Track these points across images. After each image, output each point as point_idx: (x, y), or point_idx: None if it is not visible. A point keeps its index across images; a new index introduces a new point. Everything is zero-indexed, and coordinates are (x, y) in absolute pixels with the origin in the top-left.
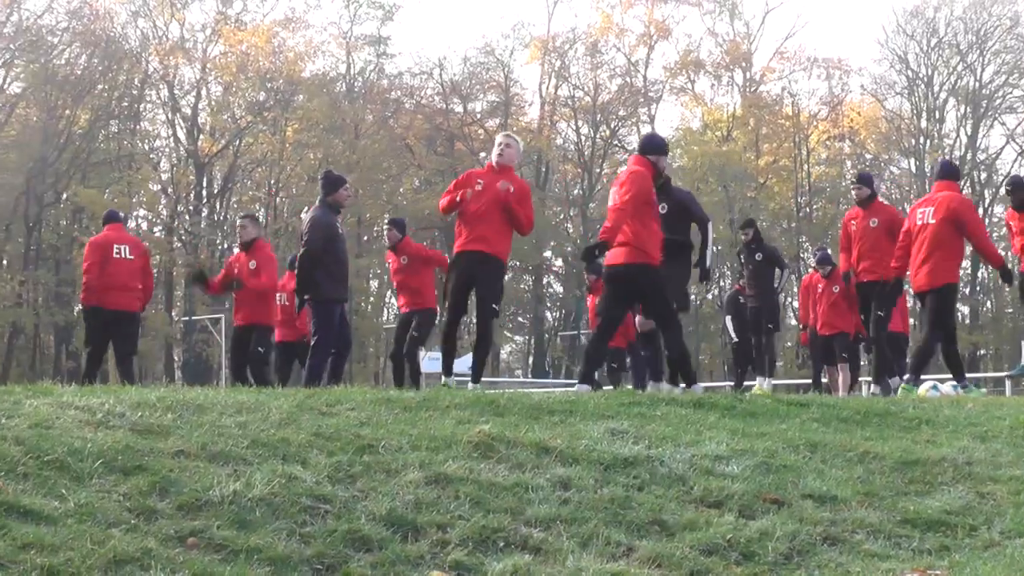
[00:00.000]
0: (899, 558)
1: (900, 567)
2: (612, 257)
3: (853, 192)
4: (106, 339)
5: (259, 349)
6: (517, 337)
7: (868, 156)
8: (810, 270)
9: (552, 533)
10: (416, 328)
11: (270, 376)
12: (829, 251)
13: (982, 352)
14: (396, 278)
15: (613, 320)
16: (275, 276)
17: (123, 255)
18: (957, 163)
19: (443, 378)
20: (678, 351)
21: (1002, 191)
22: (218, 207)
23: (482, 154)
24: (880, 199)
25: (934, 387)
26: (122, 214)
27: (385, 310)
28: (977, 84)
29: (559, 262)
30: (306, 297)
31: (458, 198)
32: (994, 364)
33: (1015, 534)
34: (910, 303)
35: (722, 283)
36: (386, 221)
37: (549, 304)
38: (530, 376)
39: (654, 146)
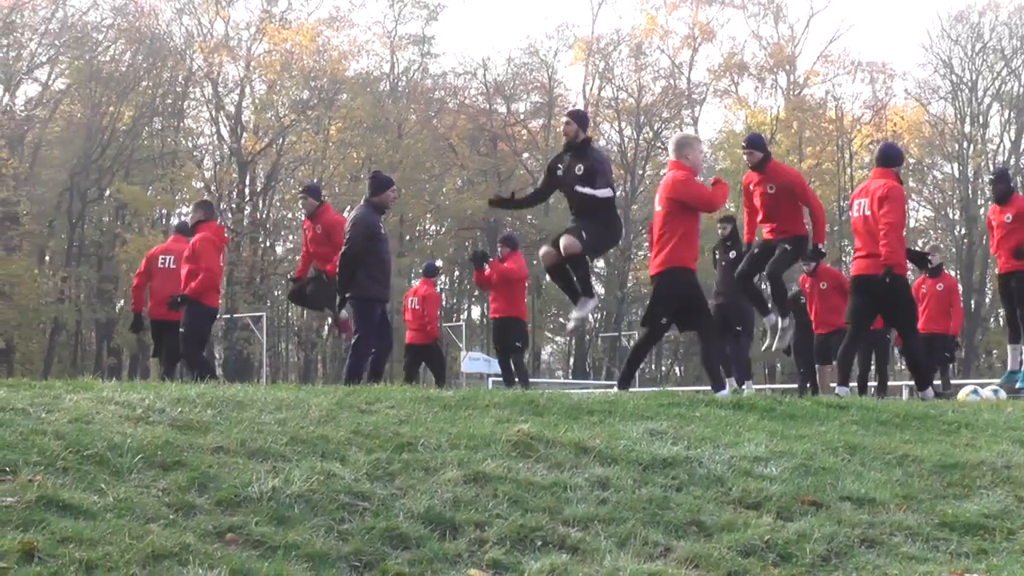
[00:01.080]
0: (936, 561)
1: (937, 570)
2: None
3: (745, 157)
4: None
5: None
6: (558, 338)
7: (911, 160)
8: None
9: (590, 533)
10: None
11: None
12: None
13: None
14: (310, 247)
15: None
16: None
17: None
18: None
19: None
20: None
21: None
22: (261, 205)
23: (525, 155)
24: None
25: (975, 391)
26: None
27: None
28: (1022, 89)
29: (600, 263)
30: (347, 295)
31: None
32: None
33: None
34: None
35: None
36: (301, 188)
37: None
38: (570, 377)
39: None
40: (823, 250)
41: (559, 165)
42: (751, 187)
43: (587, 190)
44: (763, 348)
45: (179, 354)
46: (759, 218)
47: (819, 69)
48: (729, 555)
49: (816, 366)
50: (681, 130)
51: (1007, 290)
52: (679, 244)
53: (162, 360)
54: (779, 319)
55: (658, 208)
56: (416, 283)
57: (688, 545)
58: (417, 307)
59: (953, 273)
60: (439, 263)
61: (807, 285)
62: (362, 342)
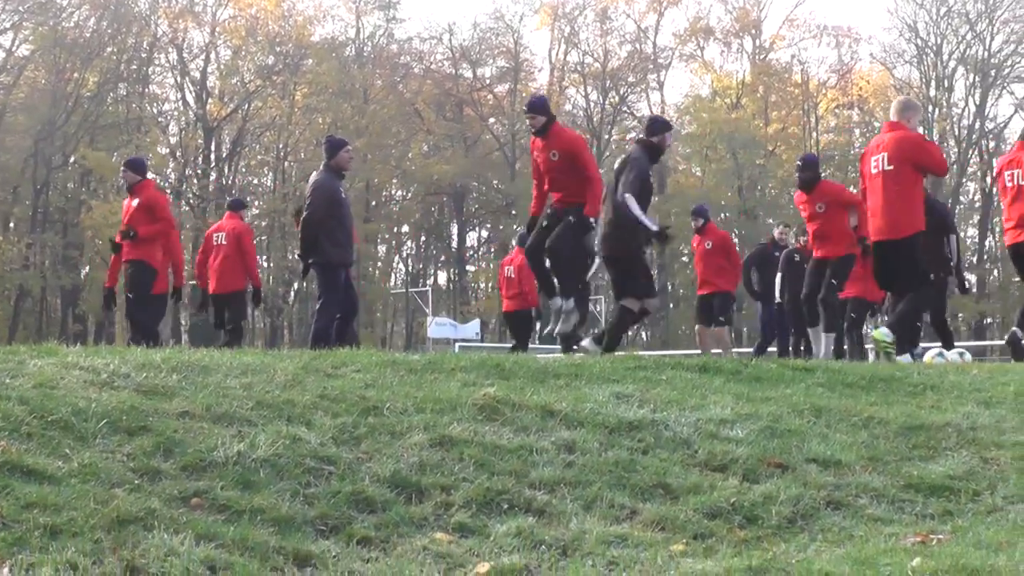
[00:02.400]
0: (902, 522)
1: (903, 531)
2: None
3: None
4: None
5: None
6: None
7: (876, 124)
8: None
9: (556, 496)
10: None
11: None
12: (705, 205)
13: (989, 321)
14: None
15: None
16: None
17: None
18: (966, 131)
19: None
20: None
21: None
22: (226, 171)
23: (491, 120)
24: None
25: (940, 354)
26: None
27: (393, 275)
28: (986, 53)
29: None
30: (310, 261)
31: None
32: (1001, 333)
33: (1018, 499)
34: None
35: None
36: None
37: None
38: (537, 342)
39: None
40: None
41: None
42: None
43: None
44: (546, 331)
45: (239, 327)
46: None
47: (785, 33)
48: (695, 517)
49: (696, 326)
50: (647, 95)
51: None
52: (915, 207)
53: (225, 332)
54: (564, 302)
55: (875, 170)
56: (512, 252)
57: (654, 508)
58: (512, 276)
59: None
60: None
61: (695, 244)
62: (327, 307)
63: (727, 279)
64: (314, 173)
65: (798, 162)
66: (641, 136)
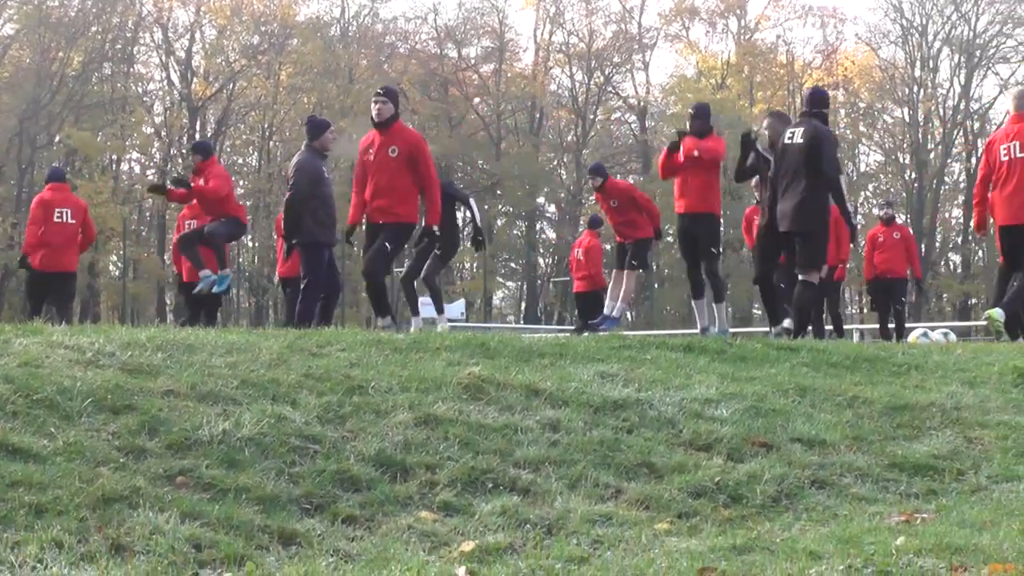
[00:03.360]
0: (886, 501)
1: (887, 510)
2: None
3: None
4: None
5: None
6: (509, 283)
7: (862, 105)
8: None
9: (541, 475)
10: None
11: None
12: (600, 162)
13: (973, 301)
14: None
15: None
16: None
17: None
18: (951, 112)
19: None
20: None
21: None
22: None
23: (476, 100)
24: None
25: (924, 334)
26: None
27: None
28: (971, 33)
29: (552, 208)
30: (294, 241)
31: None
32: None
33: (1002, 479)
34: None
35: None
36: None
37: (542, 250)
38: (522, 322)
39: None
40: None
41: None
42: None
43: None
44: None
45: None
46: None
47: (770, 13)
48: (680, 496)
49: (615, 272)
50: (632, 75)
51: (687, 238)
52: None
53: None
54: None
55: (1005, 157)
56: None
57: (639, 487)
58: (581, 258)
59: (903, 218)
60: (602, 215)
61: (598, 201)
62: (311, 287)
63: (642, 229)
64: (297, 153)
65: (690, 110)
66: (814, 110)
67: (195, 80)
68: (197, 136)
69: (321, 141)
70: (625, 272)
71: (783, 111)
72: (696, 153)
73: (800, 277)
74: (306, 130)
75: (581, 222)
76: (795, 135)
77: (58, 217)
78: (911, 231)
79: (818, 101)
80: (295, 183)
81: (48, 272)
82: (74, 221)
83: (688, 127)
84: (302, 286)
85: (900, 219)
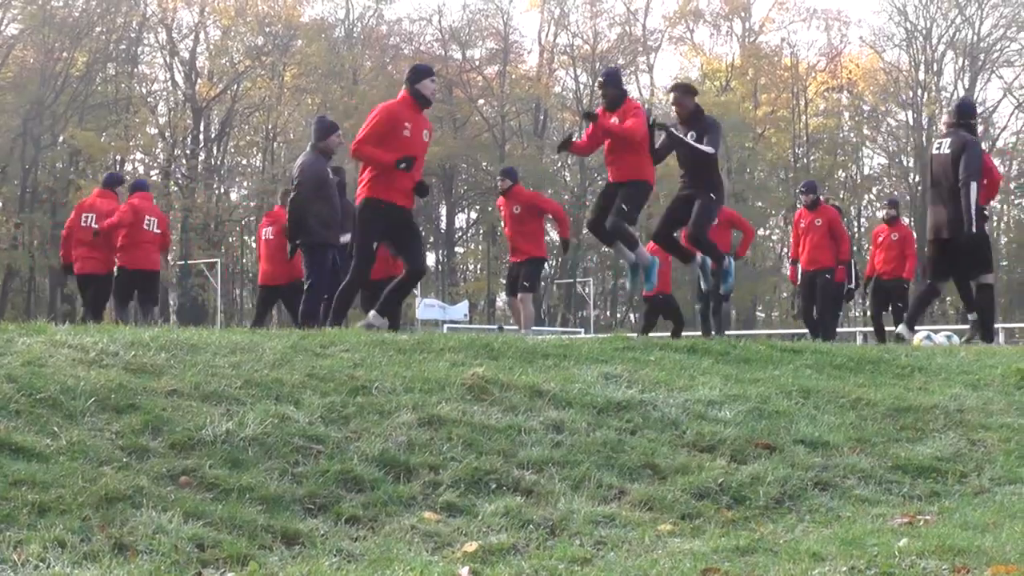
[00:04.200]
0: (889, 503)
1: (890, 512)
2: None
3: None
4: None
5: None
6: None
7: (866, 108)
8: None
9: (544, 475)
10: None
11: None
12: (512, 167)
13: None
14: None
15: None
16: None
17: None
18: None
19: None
20: None
21: (999, 143)
22: (215, 151)
23: (480, 101)
24: None
25: (928, 337)
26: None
27: None
28: (975, 37)
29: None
30: (298, 242)
31: None
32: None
33: (1005, 481)
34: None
35: None
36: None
37: None
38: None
39: None
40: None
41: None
42: None
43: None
44: None
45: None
46: None
47: (774, 16)
48: (683, 498)
49: (508, 297)
50: (636, 77)
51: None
52: None
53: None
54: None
55: None
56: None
57: (642, 488)
58: None
59: (907, 220)
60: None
61: (500, 207)
62: (315, 288)
63: (538, 246)
64: (302, 154)
65: (600, 79)
66: (961, 121)
67: (199, 81)
68: (201, 137)
69: (327, 143)
70: (520, 296)
71: (687, 82)
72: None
73: (980, 280)
74: (313, 130)
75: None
76: (943, 145)
77: (147, 225)
78: (913, 233)
79: (965, 112)
80: (299, 184)
81: (135, 270)
82: (159, 231)
83: (601, 96)
84: (306, 287)
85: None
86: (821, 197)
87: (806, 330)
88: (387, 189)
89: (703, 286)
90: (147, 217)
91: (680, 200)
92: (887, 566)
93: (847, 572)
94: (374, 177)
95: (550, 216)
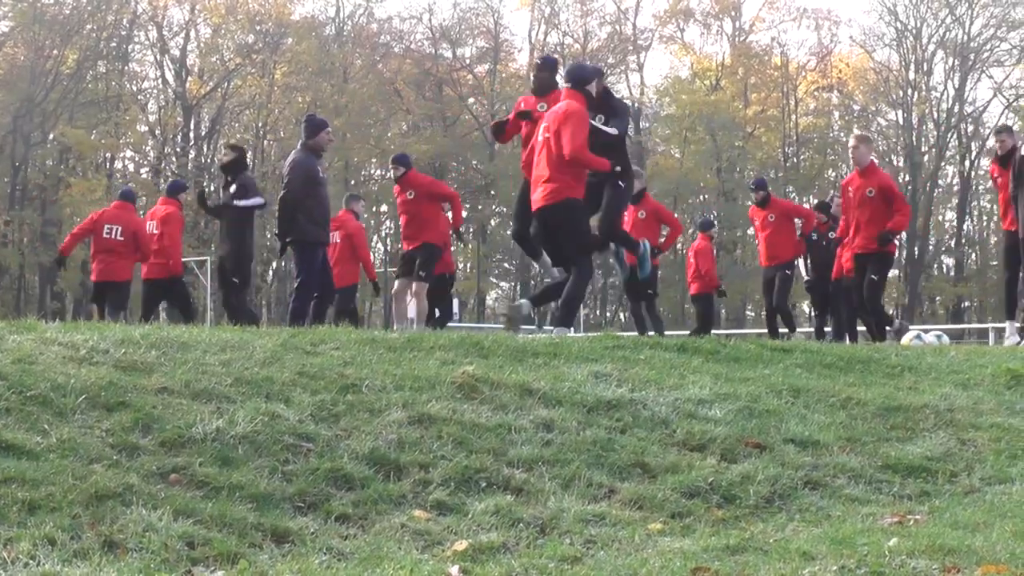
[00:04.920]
0: (879, 503)
1: (880, 512)
2: None
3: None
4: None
5: None
6: (503, 283)
7: (856, 107)
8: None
9: (534, 474)
10: None
11: None
12: (405, 153)
13: (966, 304)
14: None
15: None
16: None
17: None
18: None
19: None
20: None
21: (989, 143)
22: (205, 149)
23: (470, 100)
24: None
25: (918, 336)
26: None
27: (372, 254)
28: (965, 37)
29: None
30: (288, 240)
31: None
32: (978, 316)
33: (995, 480)
34: None
35: None
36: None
37: None
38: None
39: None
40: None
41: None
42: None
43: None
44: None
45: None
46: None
47: (764, 15)
48: (673, 497)
49: (399, 281)
50: (627, 76)
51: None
52: None
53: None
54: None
55: None
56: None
57: (632, 487)
58: (693, 260)
59: None
60: (713, 218)
61: (396, 194)
62: (305, 286)
63: (431, 230)
64: (292, 152)
65: (537, 62)
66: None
67: (189, 78)
68: (191, 135)
69: (317, 140)
70: (415, 288)
71: (551, 56)
72: (543, 107)
73: None
74: (303, 128)
75: None
76: None
77: (107, 233)
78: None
79: None
80: (290, 182)
81: (96, 282)
82: (122, 239)
83: (533, 83)
84: (296, 285)
85: None
86: (770, 191)
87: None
88: None
89: (621, 276)
90: (107, 225)
91: (589, 188)
92: (877, 565)
93: (837, 571)
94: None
95: (447, 203)
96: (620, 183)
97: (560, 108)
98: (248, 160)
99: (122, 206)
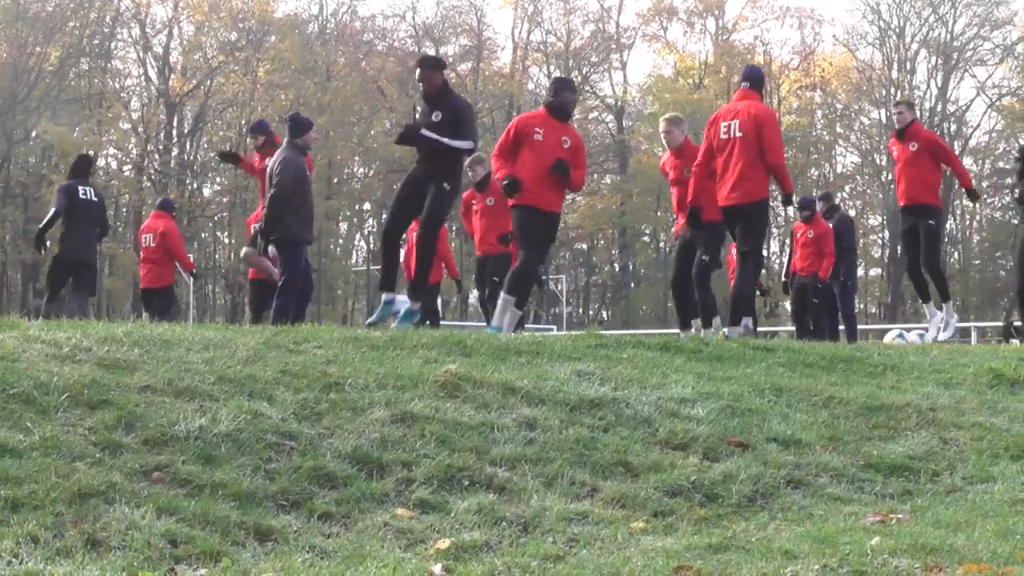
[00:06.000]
0: (862, 502)
1: (863, 511)
2: None
3: None
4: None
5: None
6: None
7: (839, 106)
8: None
9: (517, 473)
10: None
11: None
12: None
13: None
14: None
15: None
16: None
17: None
18: (927, 114)
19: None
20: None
21: (972, 142)
22: (188, 147)
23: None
24: None
25: (900, 335)
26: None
27: (354, 253)
28: (948, 36)
29: None
30: (272, 238)
31: None
32: (961, 315)
33: (977, 479)
34: None
35: None
36: None
37: None
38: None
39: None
40: None
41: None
42: None
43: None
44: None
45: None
46: None
47: (748, 14)
48: (656, 495)
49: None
50: (610, 75)
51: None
52: None
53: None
54: None
55: None
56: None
57: (615, 485)
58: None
59: (880, 219)
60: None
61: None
62: (289, 284)
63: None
64: (279, 150)
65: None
66: None
67: (172, 76)
68: (174, 132)
69: (305, 139)
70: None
71: (436, 57)
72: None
73: None
74: (288, 127)
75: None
76: None
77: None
78: (831, 228)
79: None
80: (281, 179)
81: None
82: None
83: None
84: (280, 283)
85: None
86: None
87: (779, 328)
88: None
89: None
90: (143, 235)
91: (413, 183)
92: (859, 564)
93: (819, 570)
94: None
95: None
96: (446, 185)
97: (755, 111)
98: None
99: (158, 215)
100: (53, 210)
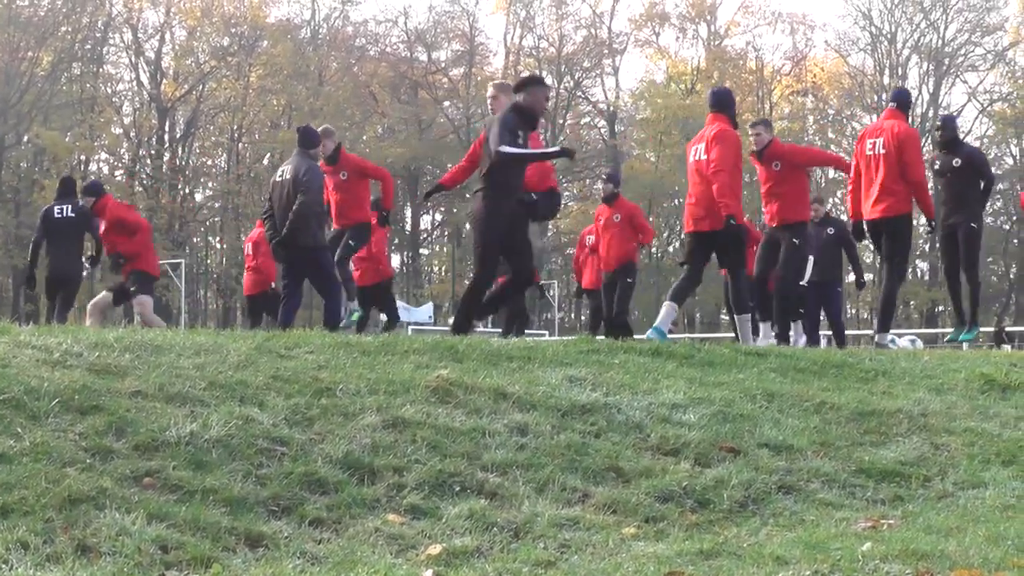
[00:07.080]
0: (853, 507)
1: (854, 516)
2: None
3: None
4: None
5: None
6: None
7: (830, 111)
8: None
9: (508, 478)
10: None
11: None
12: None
13: (940, 308)
14: None
15: None
16: None
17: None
18: (919, 120)
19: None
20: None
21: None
22: (180, 152)
23: (446, 103)
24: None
25: (892, 340)
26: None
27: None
28: (940, 41)
29: None
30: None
31: None
32: (952, 321)
33: (968, 485)
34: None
35: None
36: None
37: None
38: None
39: None
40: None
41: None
42: None
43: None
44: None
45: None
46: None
47: (740, 20)
48: (647, 501)
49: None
50: (602, 80)
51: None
52: None
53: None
54: None
55: None
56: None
57: (606, 491)
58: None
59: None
60: None
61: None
62: (338, 288)
63: (129, 243)
64: (295, 158)
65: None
66: None
67: (164, 81)
68: (166, 137)
69: (318, 151)
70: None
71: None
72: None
73: None
74: (301, 139)
75: (550, 226)
76: None
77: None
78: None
79: None
80: (309, 189)
81: None
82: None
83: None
84: (327, 289)
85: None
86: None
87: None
88: None
89: None
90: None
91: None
92: (851, 570)
93: None
94: None
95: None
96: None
97: (898, 130)
98: None
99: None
100: (33, 240)
